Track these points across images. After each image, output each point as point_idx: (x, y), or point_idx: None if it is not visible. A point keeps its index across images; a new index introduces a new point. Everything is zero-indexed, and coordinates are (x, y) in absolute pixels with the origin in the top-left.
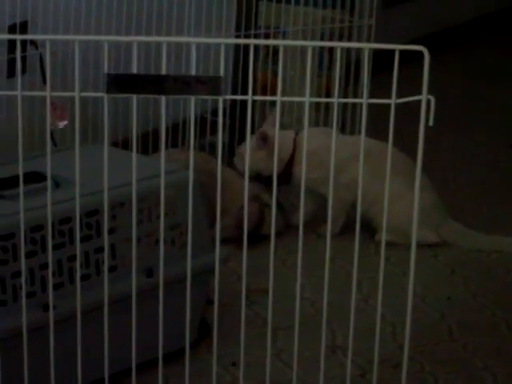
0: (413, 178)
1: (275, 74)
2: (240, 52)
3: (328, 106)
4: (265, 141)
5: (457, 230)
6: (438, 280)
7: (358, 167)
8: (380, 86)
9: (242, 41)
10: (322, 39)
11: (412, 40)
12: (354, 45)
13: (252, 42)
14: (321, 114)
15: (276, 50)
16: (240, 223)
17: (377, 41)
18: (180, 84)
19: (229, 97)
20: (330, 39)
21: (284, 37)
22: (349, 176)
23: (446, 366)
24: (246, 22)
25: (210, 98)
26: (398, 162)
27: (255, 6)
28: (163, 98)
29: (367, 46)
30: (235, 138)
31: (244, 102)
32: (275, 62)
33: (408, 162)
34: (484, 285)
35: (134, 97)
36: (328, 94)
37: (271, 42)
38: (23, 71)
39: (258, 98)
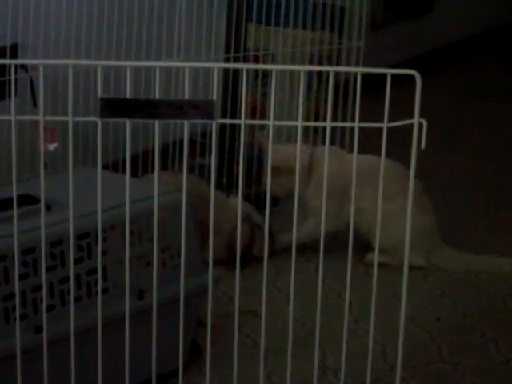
0: (416, 197)
1: (264, 95)
2: (229, 74)
3: (316, 128)
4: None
5: (449, 256)
6: (428, 301)
7: (363, 190)
8: (368, 107)
9: (234, 65)
10: (310, 61)
11: (400, 61)
12: (346, 69)
13: (244, 66)
14: (309, 137)
15: (265, 72)
16: (231, 244)
17: (366, 62)
18: (173, 108)
19: (222, 121)
20: (319, 61)
21: (273, 59)
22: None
23: None
24: (235, 44)
25: (203, 122)
26: (404, 181)
27: (244, 28)
28: (157, 123)
29: (360, 71)
30: (224, 160)
31: (233, 124)
32: (264, 84)
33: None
34: (473, 306)
35: (128, 121)
36: (317, 116)
37: (264, 66)
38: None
39: (251, 122)
